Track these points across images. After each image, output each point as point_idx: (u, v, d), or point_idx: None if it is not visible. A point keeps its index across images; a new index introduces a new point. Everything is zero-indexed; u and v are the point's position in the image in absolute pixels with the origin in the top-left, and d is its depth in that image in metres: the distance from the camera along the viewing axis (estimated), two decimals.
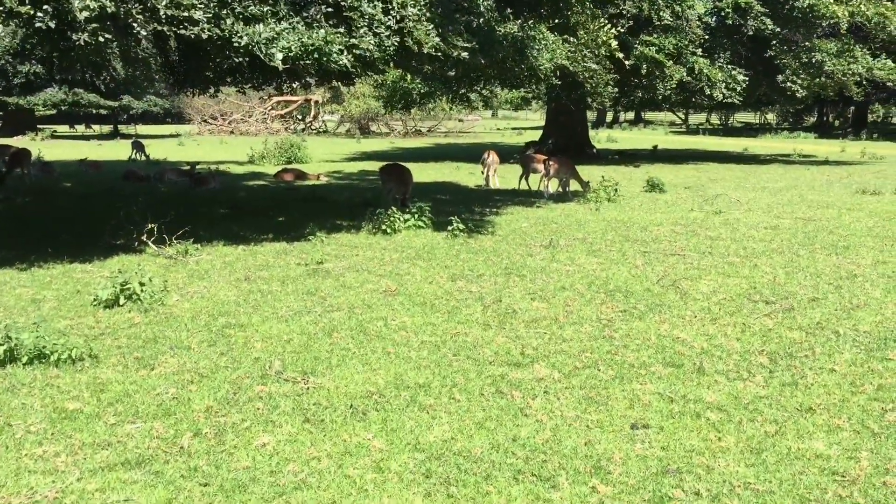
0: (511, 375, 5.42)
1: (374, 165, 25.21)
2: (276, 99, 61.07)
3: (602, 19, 13.20)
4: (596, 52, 12.92)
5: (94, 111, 58.63)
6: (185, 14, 8.22)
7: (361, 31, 9.34)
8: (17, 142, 37.39)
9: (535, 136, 39.03)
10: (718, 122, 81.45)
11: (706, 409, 4.84)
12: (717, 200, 15.03)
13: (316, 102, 61.82)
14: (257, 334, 6.29)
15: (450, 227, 10.83)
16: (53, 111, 61.96)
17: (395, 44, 9.50)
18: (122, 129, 62.72)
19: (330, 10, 9.32)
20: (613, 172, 23.17)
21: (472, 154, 29.95)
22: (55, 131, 56.25)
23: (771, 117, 79.99)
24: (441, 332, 6.39)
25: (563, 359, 5.77)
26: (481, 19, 11.29)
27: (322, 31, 8.96)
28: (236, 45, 8.55)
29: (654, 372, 5.50)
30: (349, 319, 6.72)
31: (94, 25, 7.54)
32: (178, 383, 5.18)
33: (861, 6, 25.48)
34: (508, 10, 11.96)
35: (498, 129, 68.14)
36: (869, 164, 26.62)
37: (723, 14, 26.08)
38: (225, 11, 8.63)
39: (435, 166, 26.05)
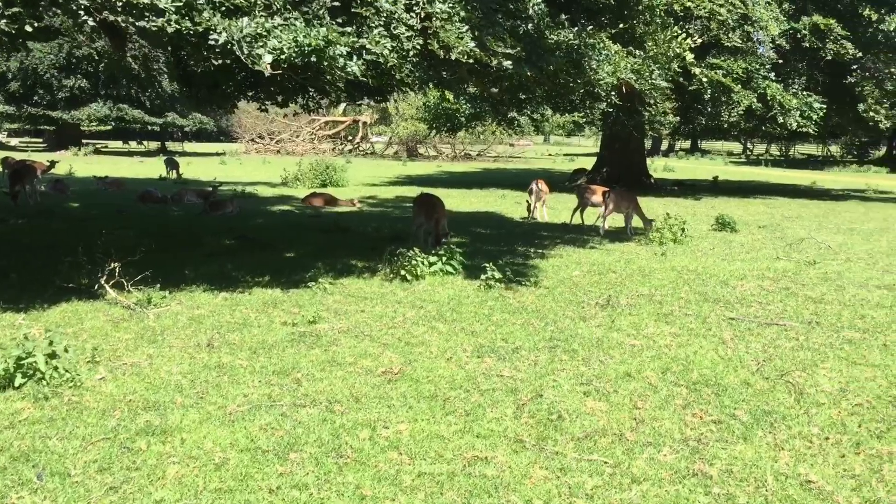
0: None
1: (414, 191, 23.39)
2: (323, 119, 60.20)
3: (675, 28, 11.12)
4: (667, 67, 10.84)
5: (142, 127, 58.35)
6: (146, 1, 6.39)
7: (376, 31, 7.43)
8: (59, 157, 36.53)
9: (589, 163, 36.87)
10: (779, 153, 78.11)
11: None
12: (804, 246, 12.74)
13: (364, 123, 60.70)
14: (182, 449, 4.31)
15: (484, 276, 8.79)
16: (101, 127, 61.81)
17: (418, 47, 7.56)
18: (170, 146, 62.37)
19: (336, 3, 7.41)
20: (675, 206, 20.97)
21: (520, 181, 27.93)
22: (105, 146, 56.03)
23: (835, 149, 76.41)
24: (451, 455, 4.33)
25: None
26: (529, 24, 9.32)
27: (324, 29, 7.05)
28: (212, 42, 6.69)
29: None
30: (322, 424, 4.71)
31: (15, 10, 5.75)
32: None
33: None
34: (563, 16, 9.96)
35: (549, 154, 66.11)
36: None
37: (799, 36, 23.72)
38: (201, 1, 6.79)
39: (479, 194, 24.08)
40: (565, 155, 62.24)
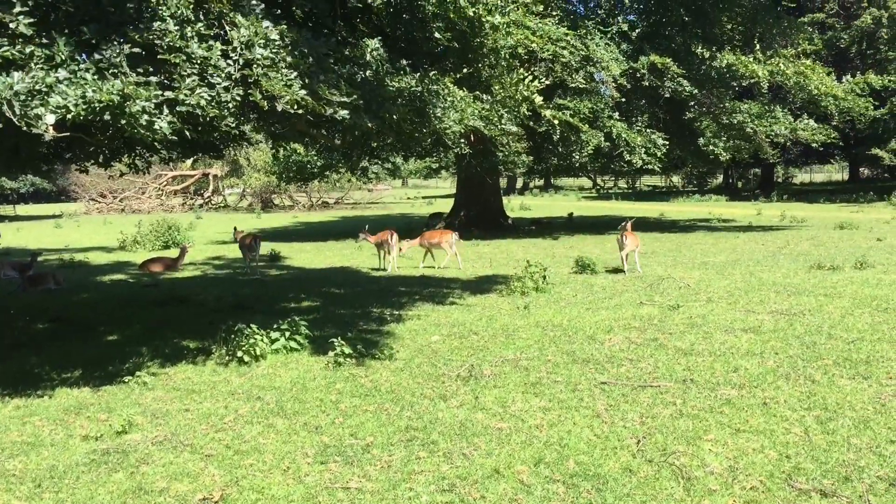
0: None
1: (266, 248, 22.10)
2: (170, 174, 57.70)
3: (521, 71, 10.68)
4: (516, 111, 10.38)
5: None
6: None
7: (189, 80, 6.42)
8: None
9: (447, 205, 36.66)
10: (626, 187, 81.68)
11: None
12: (664, 286, 12.54)
13: (214, 176, 58.52)
14: None
15: (332, 352, 7.82)
16: None
17: (238, 98, 6.60)
18: (2, 210, 57.89)
19: (137, 49, 6.34)
20: (533, 247, 20.84)
21: (379, 228, 27.15)
22: None
23: (676, 180, 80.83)
24: None
25: None
26: (368, 71, 8.55)
27: (118, 81, 5.97)
28: None
29: None
30: None
31: None
32: None
33: (780, 65, 24.20)
34: (404, 62, 9.27)
35: (408, 198, 66.04)
36: (795, 228, 25.13)
37: (639, 75, 24.36)
38: None
39: (335, 246, 23.08)
40: (424, 198, 62.23)
